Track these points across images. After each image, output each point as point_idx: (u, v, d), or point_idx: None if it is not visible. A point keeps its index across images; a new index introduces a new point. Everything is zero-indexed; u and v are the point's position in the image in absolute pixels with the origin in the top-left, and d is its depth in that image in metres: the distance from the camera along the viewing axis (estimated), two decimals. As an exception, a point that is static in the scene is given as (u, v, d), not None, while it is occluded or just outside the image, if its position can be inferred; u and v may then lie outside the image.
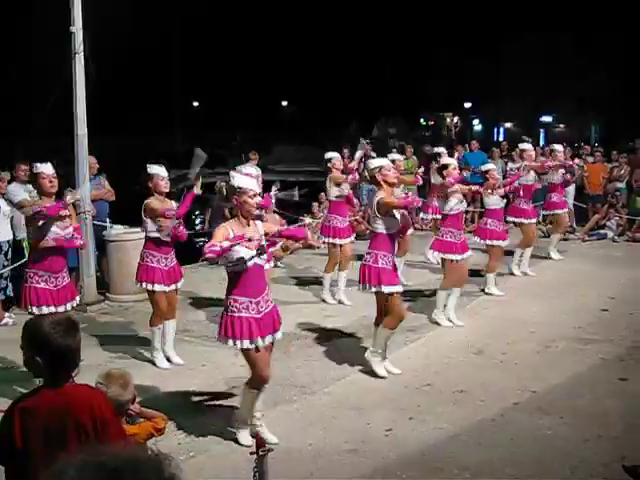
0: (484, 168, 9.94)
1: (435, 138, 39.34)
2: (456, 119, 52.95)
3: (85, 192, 9.11)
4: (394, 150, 15.33)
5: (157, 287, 6.90)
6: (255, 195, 5.21)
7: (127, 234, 9.28)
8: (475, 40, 48.37)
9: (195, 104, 61.24)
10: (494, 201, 9.62)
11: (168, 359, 7.10)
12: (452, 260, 8.31)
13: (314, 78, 54.88)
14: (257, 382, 5.27)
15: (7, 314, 8.51)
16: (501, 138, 44.42)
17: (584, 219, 14.64)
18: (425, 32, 51.36)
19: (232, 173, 5.58)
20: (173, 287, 7.06)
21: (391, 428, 5.59)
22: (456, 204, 8.34)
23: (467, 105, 54.06)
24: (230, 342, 5.14)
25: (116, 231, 9.38)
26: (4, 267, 8.44)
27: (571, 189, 14.97)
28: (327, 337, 7.79)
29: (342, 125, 42.13)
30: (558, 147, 12.09)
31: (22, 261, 8.61)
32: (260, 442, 3.65)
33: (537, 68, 46.21)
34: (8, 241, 8.56)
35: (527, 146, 11.41)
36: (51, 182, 6.25)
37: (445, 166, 8.56)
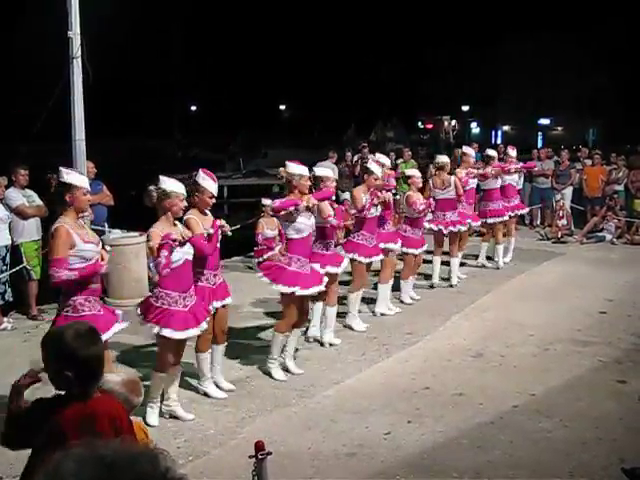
0: (408, 173, 9.70)
1: (433, 141, 39.39)
2: (454, 122, 53.03)
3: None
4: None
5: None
6: (183, 199, 5.66)
7: (125, 238, 9.27)
8: (473, 43, 48.52)
9: (193, 108, 61.30)
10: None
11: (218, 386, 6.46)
12: (361, 262, 8.18)
13: (312, 81, 54.97)
14: (162, 366, 5.74)
15: (6, 319, 8.50)
16: (499, 141, 44.50)
17: (582, 222, 14.66)
18: (423, 35, 51.51)
19: (162, 178, 5.68)
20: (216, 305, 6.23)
21: (390, 431, 5.59)
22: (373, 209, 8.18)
23: (465, 108, 54.17)
24: (156, 328, 5.58)
25: (114, 235, 9.37)
26: (2, 272, 8.44)
27: (568, 192, 15.03)
28: (325, 340, 7.77)
29: (340, 128, 42.17)
30: (511, 151, 11.99)
31: (20, 266, 8.62)
32: (259, 445, 3.65)
33: (536, 71, 46.30)
34: (6, 246, 8.54)
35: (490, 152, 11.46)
36: (89, 200, 5.57)
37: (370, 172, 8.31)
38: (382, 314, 8.85)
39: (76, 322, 4.01)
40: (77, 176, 5.38)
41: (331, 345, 7.67)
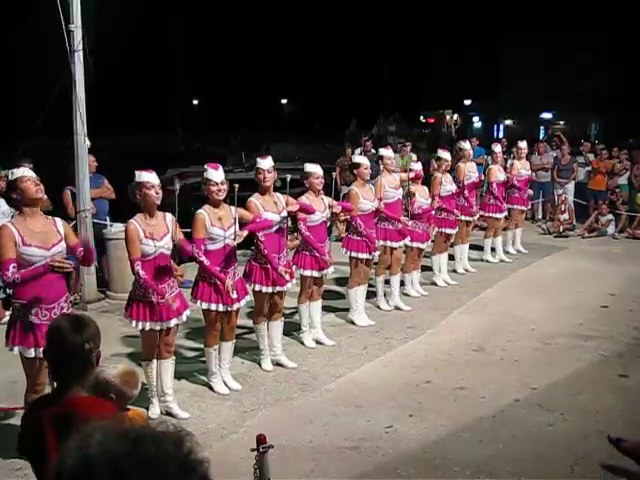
0: (412, 167, 9.44)
1: (435, 135, 39.32)
2: (456, 116, 52.93)
3: (85, 190, 9.13)
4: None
5: (213, 306, 6.12)
6: (153, 187, 5.60)
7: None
8: (475, 37, 48.45)
9: (195, 102, 61.25)
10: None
11: (224, 383, 6.43)
12: (359, 259, 8.17)
13: (314, 76, 54.91)
14: (145, 355, 5.87)
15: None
16: (501, 135, 44.45)
17: (584, 216, 14.63)
18: (425, 30, 51.47)
19: (136, 172, 5.67)
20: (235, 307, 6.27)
21: (391, 425, 5.60)
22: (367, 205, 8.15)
23: (467, 102, 54.06)
24: (133, 323, 5.68)
25: (116, 229, 9.37)
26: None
27: (571, 186, 15.01)
28: (327, 335, 7.78)
29: (342, 123, 42.12)
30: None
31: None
32: (261, 439, 3.66)
33: (537, 65, 46.22)
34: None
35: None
36: (37, 185, 4.98)
37: (357, 165, 8.32)
38: (397, 307, 8.93)
39: (71, 314, 4.00)
40: (15, 170, 5.03)
41: (319, 343, 7.63)
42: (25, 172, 5.02)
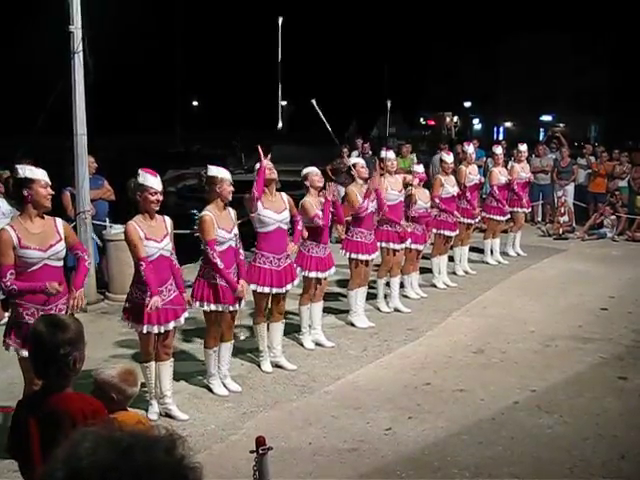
0: (414, 169, 9.37)
1: (435, 138, 39.35)
2: (456, 118, 52.95)
3: (85, 192, 9.12)
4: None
5: (212, 307, 6.13)
6: (156, 193, 5.55)
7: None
8: (475, 40, 48.47)
9: (195, 103, 61.23)
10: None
11: (224, 384, 6.42)
12: (360, 260, 8.17)
13: (314, 77, 54.83)
14: (143, 357, 5.82)
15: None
16: (501, 137, 44.42)
17: (584, 218, 14.63)
18: (425, 32, 51.47)
19: (139, 171, 5.63)
20: (235, 308, 6.29)
21: (390, 427, 5.59)
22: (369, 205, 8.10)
23: (467, 104, 54.08)
24: (138, 327, 5.62)
25: (115, 231, 9.36)
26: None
27: (570, 188, 15.02)
28: (327, 336, 7.78)
29: (342, 124, 42.14)
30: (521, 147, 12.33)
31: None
32: (260, 441, 3.66)
33: (537, 68, 46.25)
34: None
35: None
36: (50, 193, 5.03)
37: (353, 165, 8.32)
38: (396, 309, 8.92)
39: (51, 316, 4.02)
40: (34, 170, 5.02)
41: (318, 345, 7.60)
42: (44, 177, 5.01)
